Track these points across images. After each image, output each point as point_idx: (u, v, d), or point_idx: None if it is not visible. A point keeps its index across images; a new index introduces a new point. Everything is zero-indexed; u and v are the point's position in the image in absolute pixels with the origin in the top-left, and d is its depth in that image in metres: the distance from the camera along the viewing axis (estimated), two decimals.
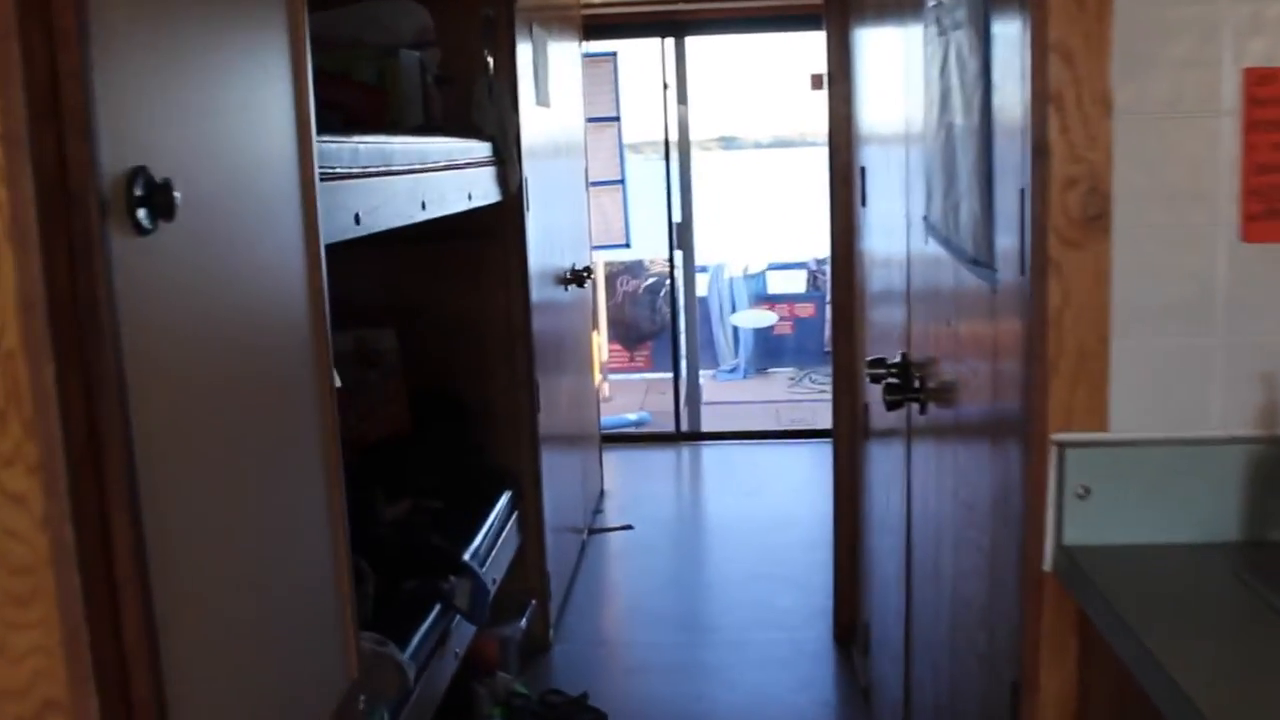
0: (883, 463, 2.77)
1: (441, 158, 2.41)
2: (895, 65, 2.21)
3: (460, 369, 3.31)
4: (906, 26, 2.06)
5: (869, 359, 2.23)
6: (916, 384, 2.00)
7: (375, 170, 1.93)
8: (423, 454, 3.11)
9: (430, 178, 2.30)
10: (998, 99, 1.36)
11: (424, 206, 2.23)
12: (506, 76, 3.20)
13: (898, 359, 2.19)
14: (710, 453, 6.07)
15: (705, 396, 6.85)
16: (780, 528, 4.63)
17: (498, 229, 3.23)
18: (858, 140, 3.03)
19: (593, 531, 4.64)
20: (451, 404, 3.30)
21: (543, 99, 3.64)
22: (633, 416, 7.01)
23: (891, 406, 2.03)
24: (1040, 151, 1.21)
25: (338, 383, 2.76)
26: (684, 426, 6.32)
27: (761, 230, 11.29)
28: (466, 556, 2.73)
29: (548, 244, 3.72)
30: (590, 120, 5.49)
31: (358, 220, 1.80)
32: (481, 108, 3.10)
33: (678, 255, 6.30)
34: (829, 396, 7.59)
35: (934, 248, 1.81)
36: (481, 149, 2.89)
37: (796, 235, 9.30)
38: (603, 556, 4.45)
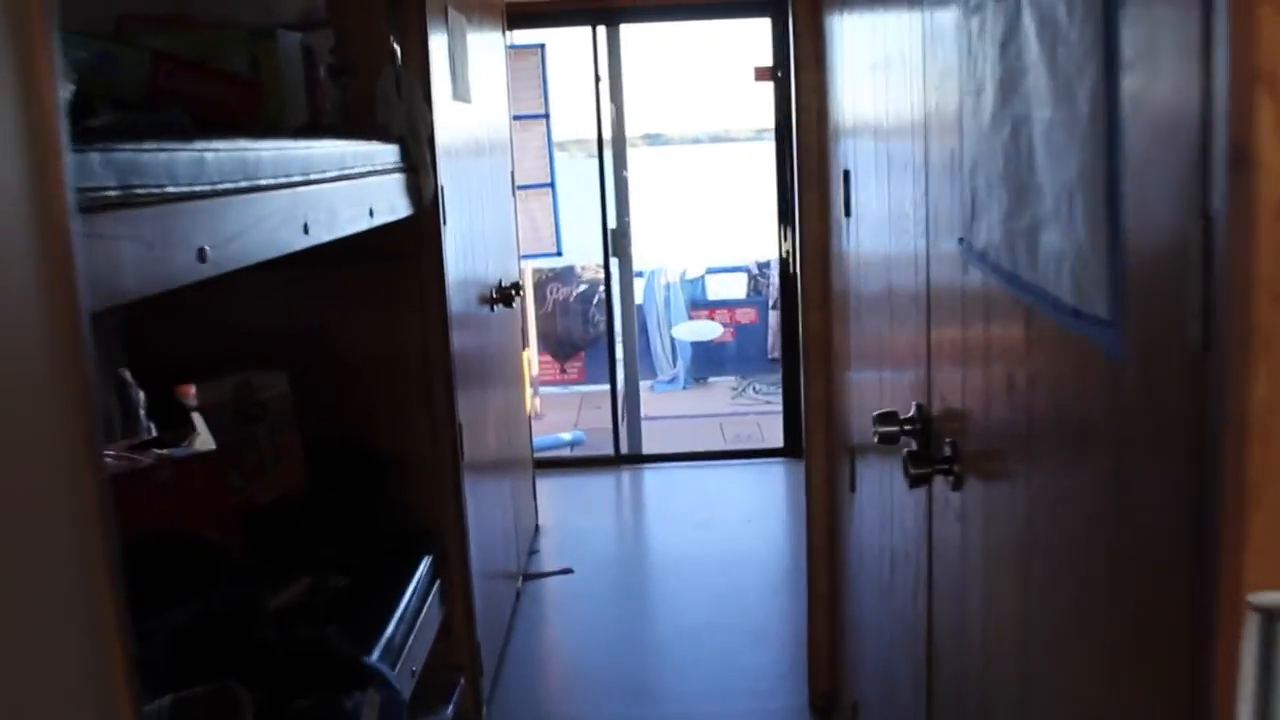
0: (876, 496, 2.33)
1: (332, 166, 1.92)
2: (905, 48, 1.78)
3: (369, 413, 2.82)
4: (926, 3, 1.63)
5: (877, 414, 1.79)
6: (947, 450, 1.57)
7: (233, 186, 1.44)
8: (324, 518, 2.61)
9: (316, 192, 1.81)
10: (1132, 82, 0.93)
11: (307, 230, 1.74)
12: (418, 67, 2.72)
13: (912, 412, 1.76)
14: (653, 477, 5.62)
15: (643, 411, 6.42)
16: (736, 566, 4.21)
17: (411, 247, 2.74)
18: (836, 138, 2.60)
19: (528, 577, 4.17)
20: (359, 455, 2.80)
21: (461, 93, 3.16)
22: (567, 436, 6.55)
23: (916, 482, 1.60)
24: (1241, 160, 0.77)
25: (207, 445, 2.26)
26: (624, 448, 5.88)
27: (697, 232, 10.87)
28: (378, 650, 2.25)
29: (470, 259, 3.24)
30: (516, 118, 5.01)
31: (203, 257, 1.31)
32: (389, 104, 2.61)
33: (613, 263, 5.85)
34: (775, 408, 7.21)
35: (980, 281, 1.38)
36: (386, 153, 2.40)
37: (735, 236, 8.89)
38: (540, 608, 3.98)
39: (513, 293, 3.72)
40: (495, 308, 3.62)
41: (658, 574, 4.33)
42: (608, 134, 5.52)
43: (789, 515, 5.01)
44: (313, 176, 1.81)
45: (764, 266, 8.13)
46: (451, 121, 3.01)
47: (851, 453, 2.57)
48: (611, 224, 5.59)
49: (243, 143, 1.51)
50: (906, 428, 1.76)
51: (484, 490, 3.33)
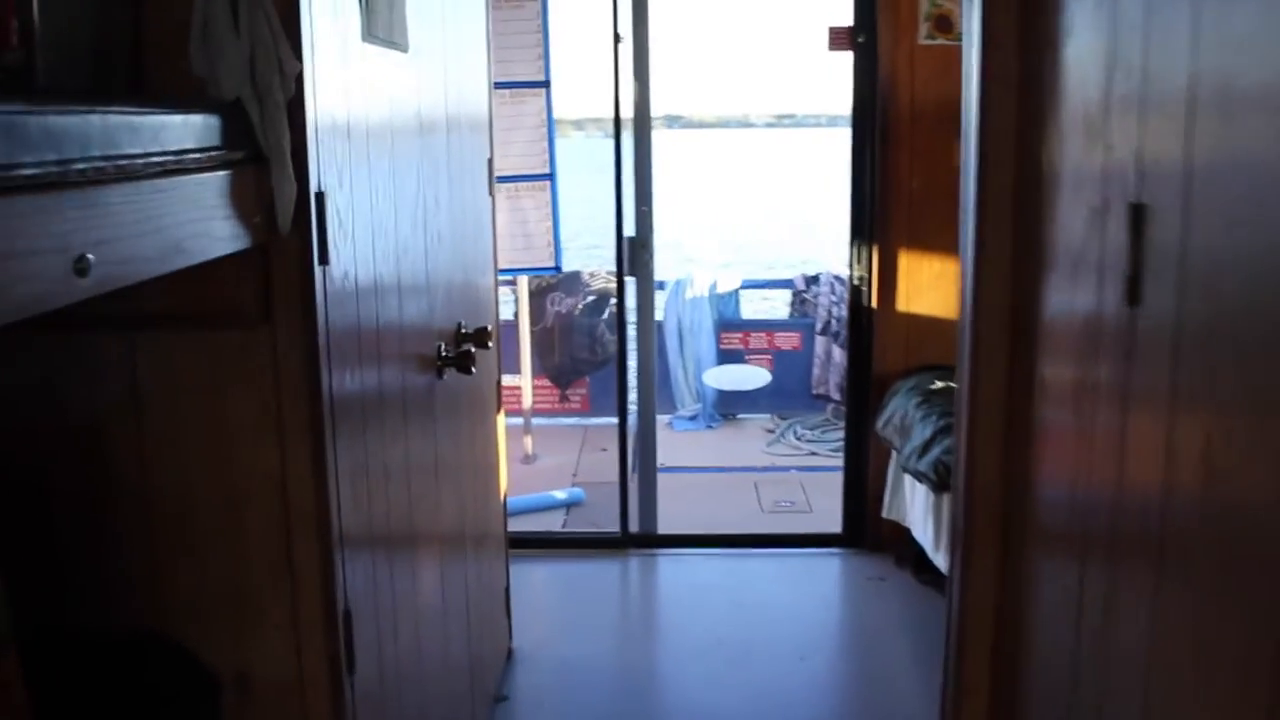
0: None
1: None
2: None
3: (186, 599, 1.63)
4: None
5: None
6: None
7: None
8: None
9: None
10: None
11: None
12: None
13: None
14: (670, 571, 4.43)
15: (659, 458, 5.18)
16: None
17: (256, 304, 1.55)
18: (1090, 137, 1.38)
19: None
20: (165, 674, 1.62)
21: (385, 33, 1.96)
22: (561, 495, 5.37)
23: None
24: None
25: None
26: (633, 523, 4.67)
27: (730, 236, 9.64)
28: None
29: (394, 305, 2.06)
30: (502, 86, 3.82)
31: None
32: (214, 41, 1.42)
33: (629, 280, 4.64)
34: (822, 461, 6.00)
35: None
36: (173, 131, 1.21)
37: (777, 244, 7.70)
38: None
39: (473, 348, 2.52)
40: (445, 374, 2.43)
41: None
42: (626, 111, 4.31)
43: (858, 645, 3.82)
44: None
45: (812, 281, 6.93)
46: (359, 79, 1.82)
47: None
48: (629, 231, 4.39)
49: None
50: None
51: (410, 650, 2.16)
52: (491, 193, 3.29)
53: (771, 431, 6.62)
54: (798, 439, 6.45)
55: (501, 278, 4.81)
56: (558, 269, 4.54)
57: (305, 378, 1.55)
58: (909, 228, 4.16)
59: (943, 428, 3.50)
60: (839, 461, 6.02)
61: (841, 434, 6.53)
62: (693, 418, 6.85)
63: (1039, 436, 1.62)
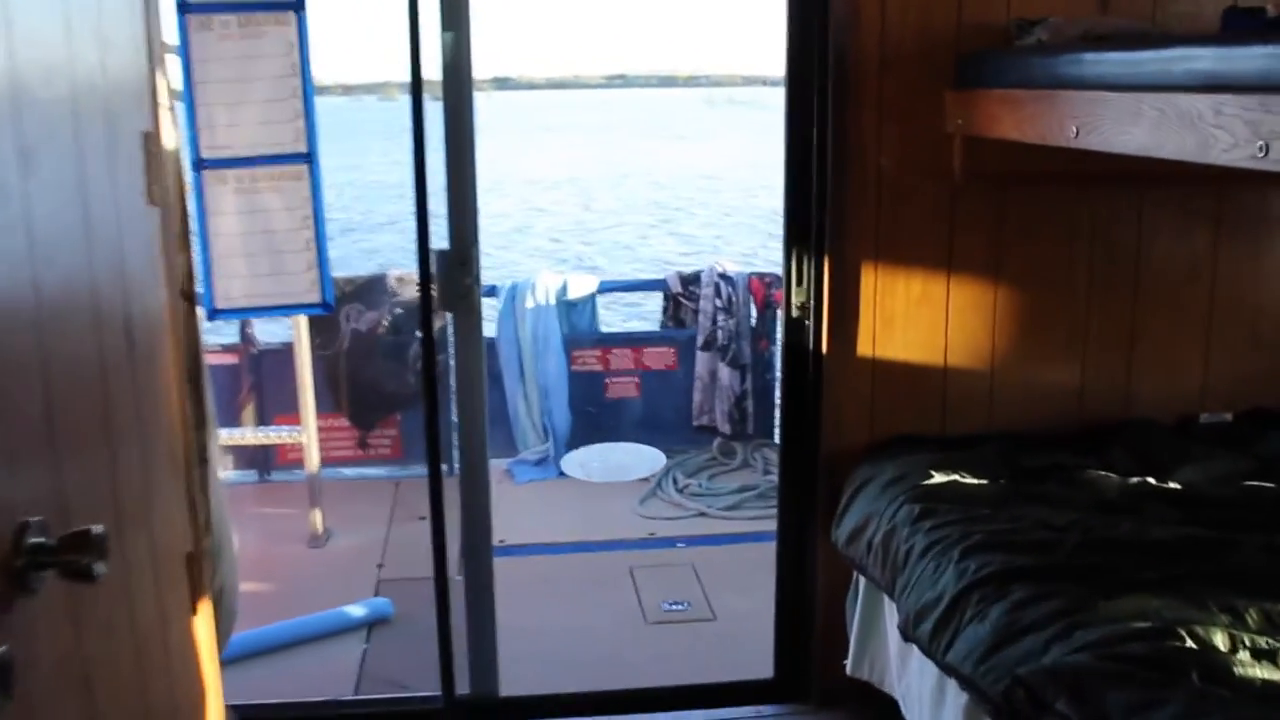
0: None
1: None
2: None
3: None
4: None
5: None
6: None
7: None
8: None
9: None
10: None
11: None
12: None
13: None
14: None
15: (496, 531, 3.66)
16: None
17: None
18: None
19: None
20: None
21: None
22: (358, 611, 3.89)
23: None
24: None
25: None
26: (463, 680, 3.20)
27: (581, 227, 8.19)
28: None
29: None
30: (215, 9, 2.30)
31: None
32: None
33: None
34: (720, 526, 4.54)
35: None
36: None
37: (642, 235, 6.30)
38: None
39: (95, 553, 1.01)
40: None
41: None
42: (431, 70, 2.78)
43: None
44: None
45: (690, 282, 5.55)
46: None
47: None
48: (439, 242, 2.88)
49: None
50: None
51: None
52: (155, 198, 1.75)
53: (645, 480, 5.22)
54: (679, 490, 5.07)
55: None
56: (327, 305, 2.98)
57: None
58: (878, 229, 2.78)
59: (984, 576, 2.14)
60: (738, 527, 4.70)
61: (736, 480, 5.18)
62: (539, 462, 5.40)
63: None
